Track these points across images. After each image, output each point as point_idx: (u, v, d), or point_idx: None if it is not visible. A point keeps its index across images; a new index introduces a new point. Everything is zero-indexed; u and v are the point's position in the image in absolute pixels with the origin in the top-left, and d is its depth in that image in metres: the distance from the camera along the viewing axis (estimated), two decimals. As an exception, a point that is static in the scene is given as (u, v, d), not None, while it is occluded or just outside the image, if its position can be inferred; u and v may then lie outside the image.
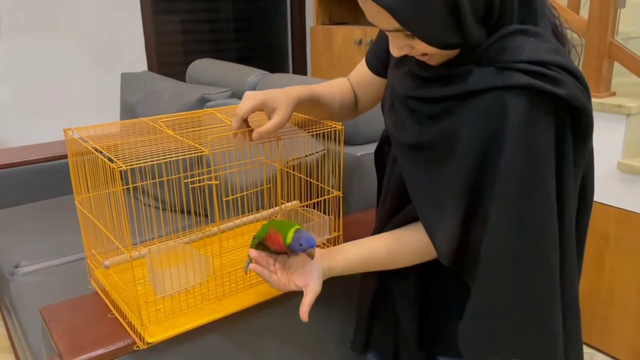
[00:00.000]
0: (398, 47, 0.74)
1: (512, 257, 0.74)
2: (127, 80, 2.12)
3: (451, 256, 0.79)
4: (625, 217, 1.76)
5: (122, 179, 0.84)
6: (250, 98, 0.89)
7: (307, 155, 1.33)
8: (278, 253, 0.90)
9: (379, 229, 0.94)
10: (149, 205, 1.85)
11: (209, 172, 0.90)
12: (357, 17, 3.31)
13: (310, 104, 0.99)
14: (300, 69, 3.74)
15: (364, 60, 1.06)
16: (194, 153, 0.87)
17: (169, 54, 3.33)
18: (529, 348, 0.78)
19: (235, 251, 1.19)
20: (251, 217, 1.19)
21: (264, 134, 0.88)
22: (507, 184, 0.71)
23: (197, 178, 0.88)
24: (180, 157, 0.85)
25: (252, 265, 0.88)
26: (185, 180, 0.87)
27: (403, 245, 0.87)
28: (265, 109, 0.90)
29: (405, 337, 0.96)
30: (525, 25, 0.72)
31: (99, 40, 2.91)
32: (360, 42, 2.83)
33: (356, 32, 2.86)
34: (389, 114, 0.88)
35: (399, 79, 0.84)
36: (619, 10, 1.85)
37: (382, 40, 0.99)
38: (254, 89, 1.94)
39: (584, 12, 1.94)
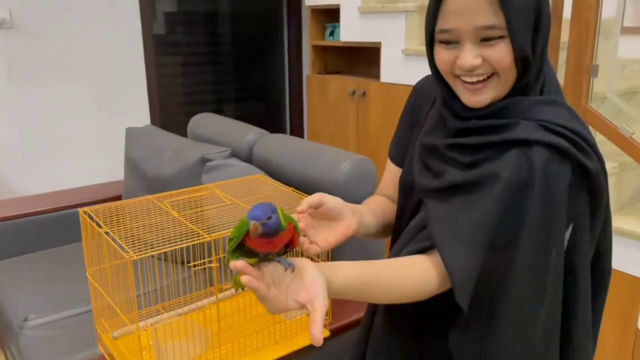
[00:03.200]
0: (473, 55, 0.78)
1: (520, 302, 0.80)
2: (132, 135, 2.24)
3: (468, 297, 0.78)
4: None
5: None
6: (318, 195, 0.88)
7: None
8: (262, 259, 0.71)
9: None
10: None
11: (210, 256, 1.01)
12: (351, 66, 3.46)
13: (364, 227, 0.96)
14: (296, 112, 3.88)
15: (389, 167, 1.06)
16: (197, 240, 0.99)
17: (171, 95, 3.47)
18: None
19: (232, 316, 1.29)
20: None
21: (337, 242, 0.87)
22: (528, 234, 0.78)
23: (200, 262, 0.99)
24: (185, 245, 0.96)
25: (245, 278, 0.65)
26: (189, 265, 0.98)
27: (409, 268, 0.81)
28: (328, 211, 0.88)
29: None
30: (563, 100, 0.83)
31: (104, 86, 3.04)
32: (353, 93, 2.97)
33: (349, 83, 3.00)
34: (421, 175, 0.90)
35: (438, 136, 0.88)
36: (592, 79, 1.99)
37: (402, 132, 1.03)
38: (251, 147, 2.06)
39: (560, 77, 2.08)
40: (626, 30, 2.76)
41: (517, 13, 0.75)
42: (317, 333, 0.63)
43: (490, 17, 0.75)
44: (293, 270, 0.69)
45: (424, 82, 1.02)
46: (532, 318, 0.82)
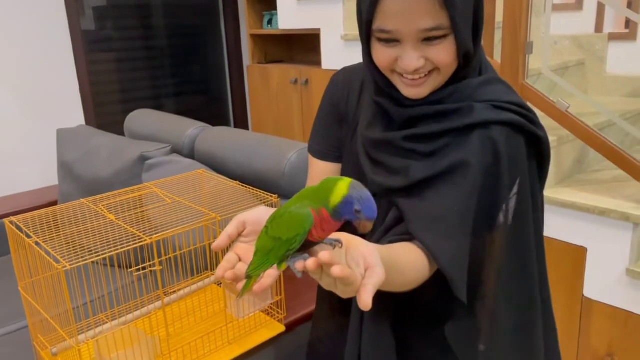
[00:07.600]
0: (416, 57, 0.75)
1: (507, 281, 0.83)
2: (63, 137, 2.11)
3: (465, 288, 0.77)
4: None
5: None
6: (236, 220, 0.80)
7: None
8: (311, 245, 0.64)
9: None
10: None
11: (153, 259, 0.95)
12: (292, 55, 3.41)
13: None
14: (239, 103, 3.80)
15: (314, 165, 1.00)
16: (138, 243, 0.92)
17: (105, 93, 3.31)
18: None
19: (181, 320, 1.23)
20: (194, 286, 1.24)
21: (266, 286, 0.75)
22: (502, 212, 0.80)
23: (142, 266, 0.93)
24: (124, 250, 0.90)
25: (338, 270, 0.56)
26: (130, 270, 0.92)
27: (411, 253, 0.78)
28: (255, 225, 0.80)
29: None
30: (498, 76, 0.84)
31: (31, 86, 2.86)
32: (296, 81, 2.92)
33: (291, 71, 2.96)
34: (374, 173, 0.85)
35: (382, 129, 0.85)
36: (527, 56, 2.03)
37: (327, 126, 0.98)
38: (193, 142, 1.98)
39: (497, 55, 2.12)
40: (556, 8, 2.85)
41: (460, 12, 0.74)
42: (369, 295, 0.58)
43: (433, 18, 0.72)
44: (342, 246, 0.64)
45: (342, 74, 0.97)
46: (517, 292, 0.85)
